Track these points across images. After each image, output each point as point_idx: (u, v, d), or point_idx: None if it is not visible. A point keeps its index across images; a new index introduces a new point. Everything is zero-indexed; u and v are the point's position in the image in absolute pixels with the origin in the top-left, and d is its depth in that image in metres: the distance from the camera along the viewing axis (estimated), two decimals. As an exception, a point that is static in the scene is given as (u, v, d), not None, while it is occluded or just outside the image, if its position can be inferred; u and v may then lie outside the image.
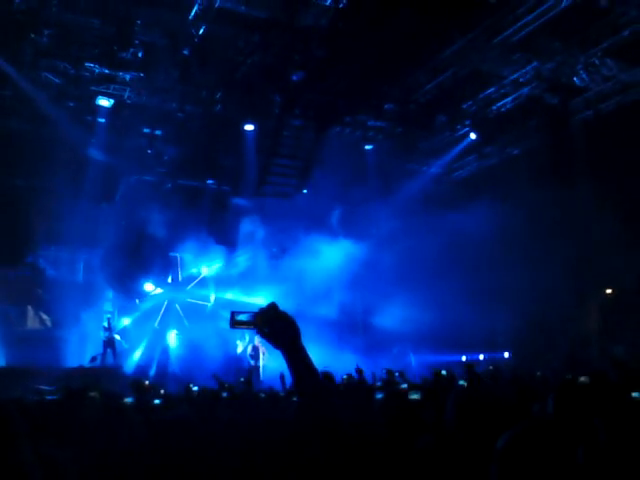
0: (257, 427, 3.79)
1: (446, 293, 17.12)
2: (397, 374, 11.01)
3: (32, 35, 13.35)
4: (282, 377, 9.32)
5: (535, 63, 14.93)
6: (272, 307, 2.14)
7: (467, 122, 17.97)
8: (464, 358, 17.78)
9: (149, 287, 19.08)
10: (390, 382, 7.98)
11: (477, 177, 19.98)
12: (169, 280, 19.99)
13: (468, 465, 2.37)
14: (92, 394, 5.39)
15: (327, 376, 6.95)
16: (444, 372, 10.35)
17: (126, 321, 18.88)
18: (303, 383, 2.10)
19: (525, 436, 1.97)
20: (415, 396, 4.64)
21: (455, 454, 3.01)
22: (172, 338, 18.87)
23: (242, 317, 2.16)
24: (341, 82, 14.97)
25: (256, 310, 2.14)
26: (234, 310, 2.17)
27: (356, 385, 8.04)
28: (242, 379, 9.72)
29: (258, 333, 2.13)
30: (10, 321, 16.81)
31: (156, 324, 19.06)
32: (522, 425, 2.03)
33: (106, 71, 14.67)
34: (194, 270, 20.45)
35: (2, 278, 16.83)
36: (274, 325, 2.11)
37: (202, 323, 18.69)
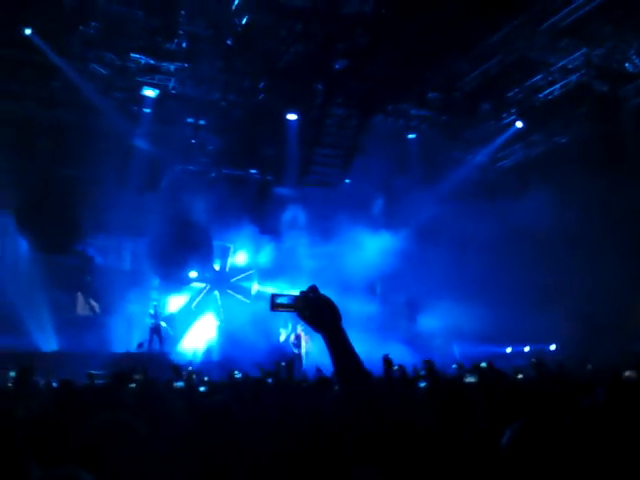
0: (299, 413, 3.82)
1: (493, 285, 16.89)
2: (455, 365, 10.77)
3: (81, 27, 13.65)
4: (318, 370, 9.29)
5: (584, 49, 14.49)
6: (313, 290, 2.13)
7: (513, 110, 17.59)
8: (509, 350, 17.54)
9: (194, 275, 19.38)
10: (432, 373, 7.90)
11: (524, 166, 19.58)
12: (216, 268, 20.26)
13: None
14: (137, 377, 5.53)
15: (387, 361, 6.93)
16: (484, 364, 10.17)
17: (172, 308, 19.25)
18: (344, 368, 2.08)
19: (529, 431, 1.93)
20: (471, 379, 4.59)
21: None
22: (213, 326, 19.19)
23: (282, 300, 2.16)
24: (384, 70, 14.81)
25: (297, 293, 2.14)
26: (274, 293, 2.17)
27: (398, 378, 7.95)
28: (283, 363, 9.73)
29: (299, 316, 2.13)
30: (61, 307, 17.30)
31: (193, 306, 19.44)
32: (522, 421, 1.99)
33: (151, 62, 14.90)
34: (238, 260, 20.69)
35: (53, 266, 17.26)
36: (315, 308, 2.10)
37: (245, 311, 18.93)
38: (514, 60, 14.95)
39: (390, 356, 7.35)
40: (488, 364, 9.90)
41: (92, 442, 2.49)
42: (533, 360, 9.54)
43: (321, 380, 6.65)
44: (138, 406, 4.23)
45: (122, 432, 2.52)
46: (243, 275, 20.51)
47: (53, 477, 1.80)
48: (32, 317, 15.60)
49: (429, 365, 8.35)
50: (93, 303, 18.58)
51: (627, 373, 6.47)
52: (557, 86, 16.05)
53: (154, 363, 12.31)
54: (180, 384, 6.24)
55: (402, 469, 2.31)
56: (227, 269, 20.59)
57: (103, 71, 15.08)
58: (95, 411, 3.39)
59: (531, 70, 15.72)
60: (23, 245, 17.21)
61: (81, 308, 18.60)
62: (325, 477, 3.02)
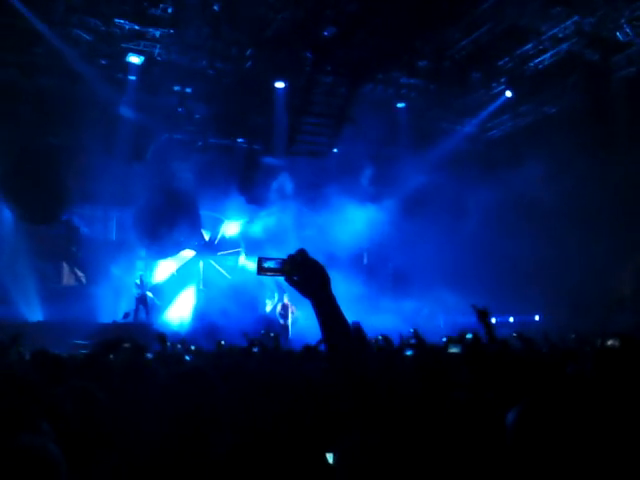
0: (286, 379, 3.81)
1: (480, 256, 16.95)
2: (445, 339, 10.78)
3: (63, -9, 13.33)
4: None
5: (575, 17, 14.33)
6: (301, 253, 2.04)
7: (503, 79, 17.47)
8: (493, 320, 17.67)
9: (180, 245, 19.32)
10: (421, 342, 7.91)
11: (513, 137, 19.51)
12: (205, 238, 20.20)
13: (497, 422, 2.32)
14: (126, 345, 5.50)
15: (357, 328, 6.81)
16: (469, 335, 10.18)
17: (158, 277, 19.21)
18: (332, 334, 2.02)
19: (536, 409, 1.89)
20: (455, 350, 4.58)
21: (487, 411, 2.97)
22: (198, 296, 19.19)
23: (270, 264, 2.07)
24: (373, 38, 14.62)
25: (284, 257, 2.06)
26: (261, 256, 2.09)
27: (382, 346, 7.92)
28: (272, 334, 9.74)
29: (286, 280, 2.05)
30: (46, 278, 17.22)
31: (178, 272, 19.38)
32: (529, 399, 1.95)
33: (136, 27, 14.56)
34: (228, 231, 20.62)
35: (38, 236, 17.16)
36: (303, 272, 2.02)
37: (231, 282, 18.93)
38: (505, 28, 14.77)
39: (375, 326, 7.33)
40: (474, 335, 9.91)
41: (56, 409, 2.48)
42: (514, 334, 9.58)
43: (308, 348, 6.65)
44: (122, 374, 4.21)
45: (82, 399, 2.51)
46: (231, 251, 20.46)
47: (20, 445, 1.75)
48: (17, 287, 15.49)
49: (417, 333, 8.35)
50: (79, 273, 18.51)
51: (610, 342, 6.53)
52: (547, 55, 15.92)
53: (140, 333, 12.28)
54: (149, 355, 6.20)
55: (388, 436, 2.29)
56: (216, 241, 20.52)
57: (87, 37, 14.73)
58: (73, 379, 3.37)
59: (522, 39, 15.55)
60: (7, 215, 17.01)
61: (67, 278, 18.53)
62: (312, 441, 3.01)
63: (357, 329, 6.45)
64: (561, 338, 10.08)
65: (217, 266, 20.14)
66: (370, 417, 2.09)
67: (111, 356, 4.95)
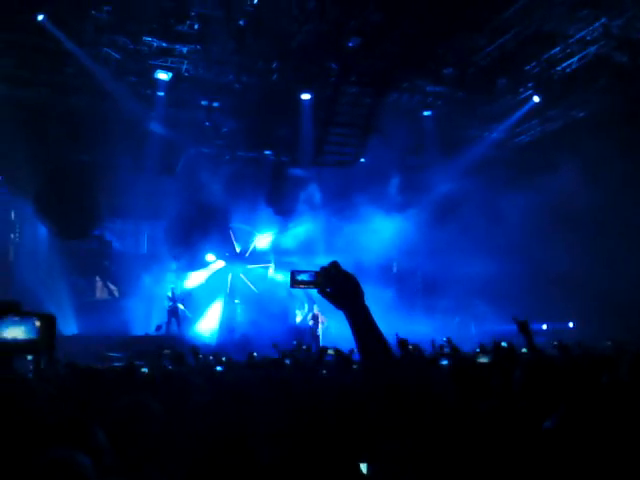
0: (320, 391, 3.81)
1: (511, 263, 16.75)
2: (478, 349, 10.69)
3: (92, 12, 13.59)
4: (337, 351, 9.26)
5: (603, 19, 14.12)
6: (334, 266, 2.05)
7: (530, 85, 17.29)
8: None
9: (210, 258, 19.47)
10: (455, 350, 7.85)
11: (542, 142, 19.27)
12: (237, 250, 20.33)
13: (531, 431, 2.30)
14: (166, 351, 5.56)
15: (402, 341, 6.91)
16: (504, 344, 10.04)
17: (189, 286, 19.37)
18: (367, 345, 2.02)
19: (575, 416, 1.87)
20: (484, 359, 4.56)
21: (520, 420, 2.93)
22: (229, 308, 19.26)
23: (303, 277, 2.09)
24: (398, 47, 14.63)
25: (317, 269, 2.07)
26: (294, 270, 2.11)
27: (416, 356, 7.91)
28: (304, 346, 9.73)
29: (319, 293, 2.06)
30: (80, 292, 17.54)
31: (208, 283, 19.43)
32: (567, 406, 1.93)
33: (164, 45, 14.79)
34: (259, 244, 20.72)
35: (72, 251, 17.52)
36: (336, 284, 2.03)
37: (261, 294, 19.00)
38: (530, 33, 14.61)
39: (406, 336, 7.34)
40: (508, 344, 9.78)
41: (113, 424, 2.53)
42: (555, 343, 9.39)
43: (341, 358, 6.65)
44: (163, 382, 4.27)
45: (140, 413, 2.55)
46: (261, 265, 20.53)
47: (47, 459, 1.76)
48: (52, 301, 15.77)
49: (451, 343, 8.32)
50: (111, 287, 18.82)
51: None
52: (575, 59, 15.69)
53: (172, 345, 12.40)
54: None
55: (423, 443, 2.27)
56: (247, 254, 20.62)
57: (116, 55, 15.00)
58: (119, 392, 3.43)
59: (548, 43, 15.36)
60: (42, 231, 17.39)
61: (100, 292, 18.87)
62: (348, 451, 3.01)
63: (403, 343, 6.56)
64: (597, 345, 9.91)
65: (245, 279, 20.23)
66: (404, 426, 2.08)
67: (145, 370, 5.01)
